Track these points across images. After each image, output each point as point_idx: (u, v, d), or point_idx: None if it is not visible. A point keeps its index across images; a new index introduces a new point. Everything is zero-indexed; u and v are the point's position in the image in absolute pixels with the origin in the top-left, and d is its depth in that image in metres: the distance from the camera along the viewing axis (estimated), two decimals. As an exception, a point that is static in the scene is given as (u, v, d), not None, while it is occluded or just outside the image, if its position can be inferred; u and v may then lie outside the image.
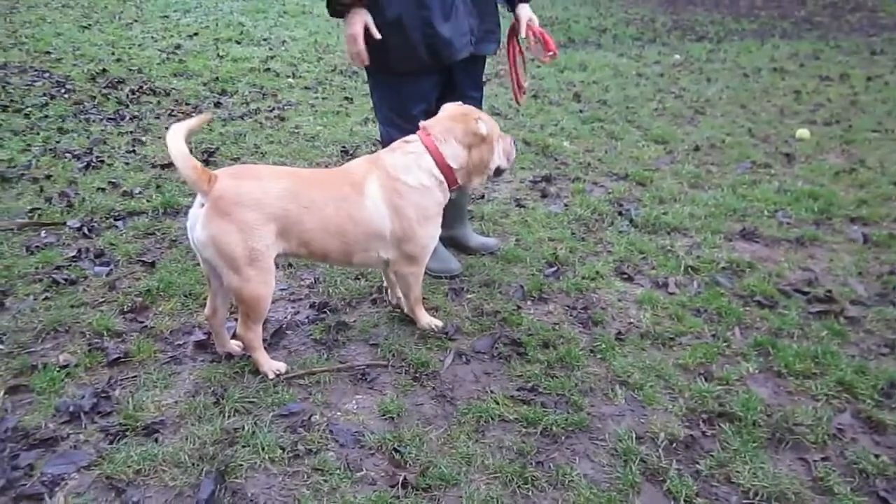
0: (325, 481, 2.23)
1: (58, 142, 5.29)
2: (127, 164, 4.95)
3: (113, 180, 4.60)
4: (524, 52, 3.53)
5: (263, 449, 2.34)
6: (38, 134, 5.42)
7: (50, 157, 4.96)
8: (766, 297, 3.42)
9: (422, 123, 2.92)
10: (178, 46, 8.76)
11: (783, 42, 11.14)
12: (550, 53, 3.35)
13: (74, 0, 11.78)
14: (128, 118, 6.00)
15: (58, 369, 2.71)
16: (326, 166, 5.01)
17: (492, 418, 2.55)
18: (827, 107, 7.16)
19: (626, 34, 11.79)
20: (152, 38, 9.26)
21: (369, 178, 2.74)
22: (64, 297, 3.24)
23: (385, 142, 3.26)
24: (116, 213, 4.12)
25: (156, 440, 2.38)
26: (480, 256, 3.77)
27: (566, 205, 4.53)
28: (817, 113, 6.93)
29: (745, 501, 2.23)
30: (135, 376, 2.72)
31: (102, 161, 4.95)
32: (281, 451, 2.35)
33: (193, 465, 2.27)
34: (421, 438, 2.43)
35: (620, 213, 4.39)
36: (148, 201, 4.29)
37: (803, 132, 6.12)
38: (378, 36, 3.01)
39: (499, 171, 3.06)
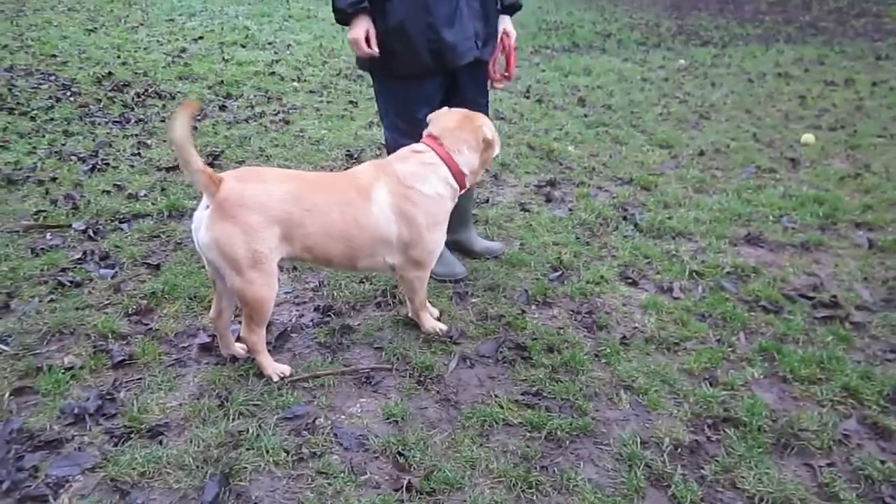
0: (330, 485, 2.23)
1: (63, 144, 5.31)
2: (132, 166, 4.96)
3: (118, 183, 4.62)
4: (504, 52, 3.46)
5: (268, 452, 2.34)
6: (43, 136, 5.44)
7: (55, 159, 4.98)
8: (771, 303, 3.42)
9: (428, 132, 2.94)
10: (183, 50, 8.79)
11: (788, 47, 11.14)
12: (506, 75, 3.34)
13: (80, 4, 11.84)
14: (133, 121, 6.02)
15: (63, 371, 2.71)
16: (331, 170, 5.03)
17: (496, 422, 2.55)
18: (832, 112, 7.15)
19: (630, 39, 11.79)
20: (158, 41, 9.29)
21: (377, 183, 2.74)
22: (69, 299, 3.25)
23: (390, 146, 3.27)
24: (121, 216, 4.13)
25: (160, 442, 2.39)
26: (485, 260, 3.77)
27: (571, 209, 4.52)
28: (822, 118, 6.92)
29: (750, 507, 2.22)
30: (139, 378, 2.72)
31: (108, 164, 4.97)
32: (285, 454, 2.35)
33: (198, 467, 2.27)
34: (425, 442, 2.43)
35: (625, 218, 4.38)
36: (153, 204, 4.30)
37: (808, 137, 6.11)
38: (376, 49, 3.03)
39: None
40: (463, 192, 2.96)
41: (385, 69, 3.17)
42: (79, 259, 3.61)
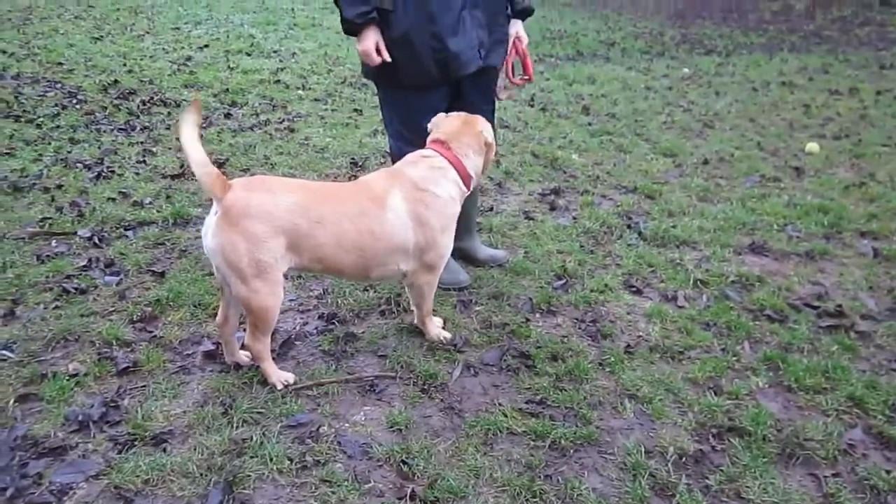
0: (333, 493, 2.23)
1: (69, 152, 5.33)
2: (137, 174, 4.98)
3: (123, 190, 4.63)
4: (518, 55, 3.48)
5: (271, 460, 2.34)
6: (49, 144, 5.47)
7: (61, 166, 5.00)
8: (775, 312, 3.41)
9: (433, 137, 2.96)
10: (188, 58, 8.84)
11: (792, 56, 11.14)
12: (525, 77, 3.40)
13: (87, 12, 11.92)
14: (138, 129, 6.04)
15: (67, 378, 2.71)
16: (336, 178, 5.04)
17: (500, 431, 2.54)
18: (836, 121, 7.15)
19: (634, 48, 11.82)
20: (164, 49, 9.35)
21: (391, 191, 2.76)
22: (74, 306, 3.25)
23: (395, 155, 3.28)
24: (127, 223, 4.15)
25: (164, 450, 2.39)
26: (489, 268, 3.77)
27: (575, 217, 4.53)
28: (826, 127, 6.92)
29: (755, 517, 2.21)
30: (144, 386, 2.73)
31: (113, 171, 4.99)
32: (289, 462, 2.34)
33: (202, 475, 2.27)
34: (429, 451, 2.42)
35: (629, 226, 4.38)
36: (158, 211, 4.31)
37: (813, 146, 6.10)
38: (388, 57, 3.06)
39: None
40: (466, 194, 3.01)
41: (390, 79, 3.19)
42: (84, 266, 3.62)
